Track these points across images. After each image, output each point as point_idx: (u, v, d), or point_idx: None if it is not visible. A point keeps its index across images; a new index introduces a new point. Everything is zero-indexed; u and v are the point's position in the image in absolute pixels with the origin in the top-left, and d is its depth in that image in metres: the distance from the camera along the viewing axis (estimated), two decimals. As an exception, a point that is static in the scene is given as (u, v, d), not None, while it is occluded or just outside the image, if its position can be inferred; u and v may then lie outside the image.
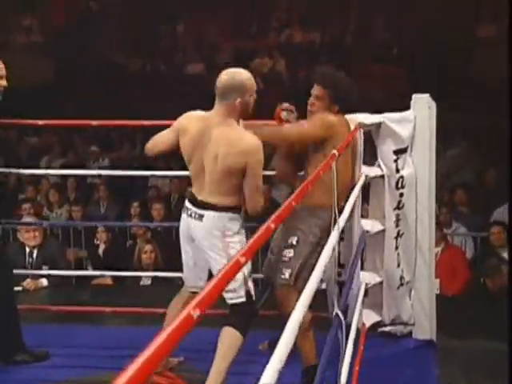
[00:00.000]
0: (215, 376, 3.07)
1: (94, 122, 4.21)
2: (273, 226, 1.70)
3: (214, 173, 3.17)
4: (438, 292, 5.79)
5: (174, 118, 3.96)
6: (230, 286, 3.09)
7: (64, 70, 12.83)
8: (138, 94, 12.00)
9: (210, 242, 3.19)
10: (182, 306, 3.40)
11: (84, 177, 9.09)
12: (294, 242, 3.46)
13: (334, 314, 2.66)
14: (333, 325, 2.64)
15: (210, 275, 3.31)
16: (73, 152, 10.42)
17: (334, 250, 2.58)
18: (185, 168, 3.48)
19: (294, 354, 3.56)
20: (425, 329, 4.18)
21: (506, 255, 5.95)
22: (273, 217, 1.74)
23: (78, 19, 14.25)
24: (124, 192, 8.44)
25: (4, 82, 3.69)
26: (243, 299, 3.18)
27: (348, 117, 3.92)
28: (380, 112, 4.10)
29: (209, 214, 3.18)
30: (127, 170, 9.14)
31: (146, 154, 3.59)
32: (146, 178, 8.30)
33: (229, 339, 3.13)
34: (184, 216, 3.30)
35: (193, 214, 3.23)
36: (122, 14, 13.94)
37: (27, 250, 5.56)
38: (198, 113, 3.33)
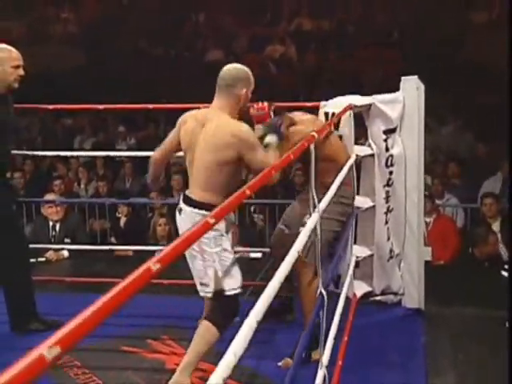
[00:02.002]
0: (186, 366, 2.83)
1: (101, 106, 3.96)
2: (212, 221, 1.28)
3: (203, 165, 2.87)
4: (430, 259, 5.56)
5: (195, 101, 3.72)
6: (205, 280, 2.86)
7: (95, 57, 12.63)
8: (162, 78, 11.76)
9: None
10: None
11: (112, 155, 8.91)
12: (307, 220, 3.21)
13: (318, 292, 2.42)
14: (316, 303, 2.41)
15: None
16: (103, 132, 10.24)
17: (315, 228, 2.34)
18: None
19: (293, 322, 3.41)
20: (413, 298, 3.94)
21: (496, 226, 5.68)
22: (215, 211, 1.36)
23: (108, 11, 14.03)
24: (147, 169, 8.22)
25: (21, 71, 3.47)
26: (210, 294, 2.89)
27: (339, 99, 3.68)
28: (379, 93, 3.83)
29: (186, 209, 2.89)
30: (152, 148, 9.02)
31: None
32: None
33: (204, 334, 2.85)
34: (177, 213, 3.02)
35: (180, 210, 2.95)
36: (148, 5, 13.70)
37: (50, 223, 5.39)
38: (198, 110, 3.09)
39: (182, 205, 2.92)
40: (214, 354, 3.31)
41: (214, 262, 2.83)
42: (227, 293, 2.87)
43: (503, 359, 3.30)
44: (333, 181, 2.82)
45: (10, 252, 3.58)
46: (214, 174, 2.85)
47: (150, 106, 4.19)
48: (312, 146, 2.30)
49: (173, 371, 3.14)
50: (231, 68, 3.00)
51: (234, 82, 2.94)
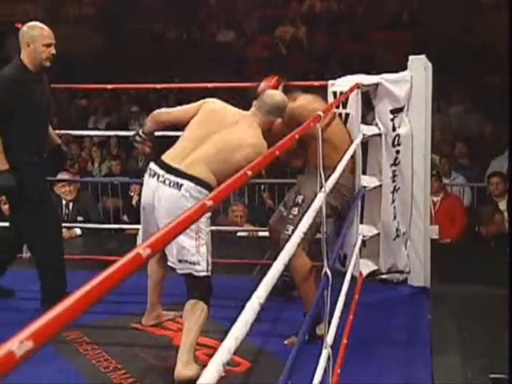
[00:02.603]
0: (187, 348, 2.77)
1: (109, 86, 3.90)
2: (209, 203, 1.20)
3: (222, 146, 2.83)
4: (438, 237, 5.48)
5: (207, 80, 3.64)
6: (194, 258, 2.77)
7: (110, 39, 12.54)
8: (175, 59, 11.66)
9: (180, 211, 2.75)
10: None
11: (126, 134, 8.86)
12: (300, 201, 3.14)
13: (324, 272, 2.35)
14: (321, 281, 2.33)
15: None
16: (116, 112, 10.16)
17: (320, 208, 2.26)
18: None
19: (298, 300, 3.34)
20: (419, 276, 3.86)
21: (503, 205, 5.58)
22: (213, 193, 1.30)
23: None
24: (159, 148, 8.14)
25: (53, 50, 3.39)
26: (206, 273, 2.81)
27: (347, 78, 3.58)
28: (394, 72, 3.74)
29: (188, 184, 2.72)
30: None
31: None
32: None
33: (195, 312, 2.80)
34: (151, 180, 2.82)
35: (168, 183, 2.75)
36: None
37: (63, 202, 5.34)
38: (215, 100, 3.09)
39: (172, 177, 2.73)
40: (220, 331, 3.30)
41: (207, 241, 2.79)
42: (209, 273, 2.83)
43: (507, 336, 3.24)
44: (333, 164, 2.72)
45: (45, 232, 3.53)
46: (224, 164, 2.80)
47: (158, 85, 4.10)
48: (318, 125, 2.21)
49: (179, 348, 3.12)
50: (276, 97, 3.05)
51: (274, 110, 3.01)
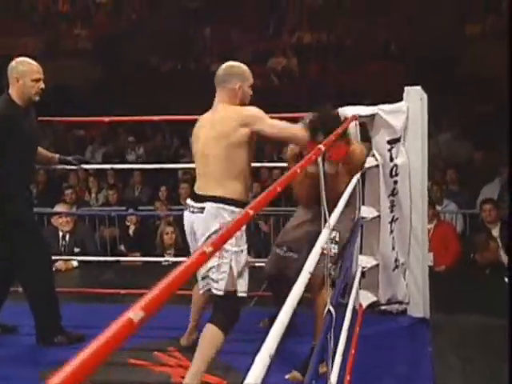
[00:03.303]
0: (194, 373, 2.63)
1: (106, 119, 3.78)
2: (251, 212, 1.27)
3: (217, 154, 2.73)
4: (432, 264, 5.36)
5: (202, 111, 3.54)
6: (214, 276, 2.65)
7: (106, 72, 12.48)
8: (171, 91, 11.60)
9: (207, 231, 2.67)
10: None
11: (122, 163, 8.75)
12: (337, 239, 2.98)
13: (326, 310, 2.20)
14: (325, 322, 2.19)
15: None
16: (113, 142, 10.04)
17: (326, 243, 2.12)
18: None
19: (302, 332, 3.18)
20: (418, 307, 3.72)
21: (496, 232, 5.46)
22: (252, 203, 1.33)
23: (120, 29, 13.88)
24: (155, 177, 8.02)
25: (42, 85, 3.29)
26: (222, 292, 2.68)
27: (344, 109, 3.47)
28: (378, 104, 3.62)
29: (209, 205, 2.68)
30: (159, 157, 8.85)
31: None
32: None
33: (210, 338, 2.65)
34: (186, 213, 2.81)
35: (195, 210, 2.73)
36: (156, 22, 13.54)
37: (60, 234, 5.19)
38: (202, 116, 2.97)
39: (197, 204, 2.72)
40: (221, 367, 3.13)
41: (231, 260, 2.65)
42: (239, 294, 2.71)
43: (508, 368, 3.09)
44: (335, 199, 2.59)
45: (37, 266, 3.38)
46: (229, 162, 2.71)
47: (155, 118, 3.98)
48: (320, 159, 2.09)
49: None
50: (225, 65, 2.91)
51: (226, 77, 2.84)
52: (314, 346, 2.90)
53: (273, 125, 2.75)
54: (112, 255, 5.78)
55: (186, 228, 2.85)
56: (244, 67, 2.92)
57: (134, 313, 0.74)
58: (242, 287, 2.71)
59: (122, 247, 6.11)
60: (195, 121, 2.98)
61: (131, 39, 13.09)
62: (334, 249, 2.94)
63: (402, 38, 11.78)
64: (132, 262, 5.38)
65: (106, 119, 3.83)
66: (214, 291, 2.70)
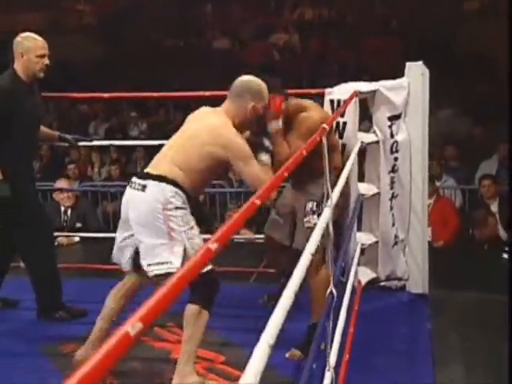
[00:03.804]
0: (186, 359, 2.52)
1: (106, 95, 3.66)
2: (258, 202, 1.19)
3: (188, 146, 2.56)
4: (430, 239, 5.28)
5: (204, 88, 3.42)
6: (166, 258, 2.49)
7: (110, 48, 12.30)
8: (173, 65, 11.43)
9: (150, 213, 2.48)
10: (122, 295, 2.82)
11: (125, 139, 8.64)
12: (314, 208, 2.87)
13: (329, 291, 2.12)
14: (327, 303, 2.11)
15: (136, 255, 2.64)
16: (116, 117, 9.91)
17: (329, 219, 2.03)
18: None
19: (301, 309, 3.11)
20: (417, 283, 3.64)
21: (494, 207, 5.37)
22: (259, 192, 1.29)
23: (123, 5, 13.65)
24: (158, 152, 7.90)
25: (47, 61, 3.18)
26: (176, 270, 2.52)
27: (344, 86, 3.35)
28: (378, 80, 3.50)
29: (152, 184, 2.49)
30: (162, 132, 8.73)
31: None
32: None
33: (194, 318, 2.52)
34: (127, 189, 2.61)
35: (135, 185, 2.54)
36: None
37: (62, 209, 5.10)
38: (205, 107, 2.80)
39: (144, 181, 2.51)
40: (219, 342, 3.07)
41: (183, 240, 2.50)
42: (203, 270, 2.58)
43: (506, 344, 3.03)
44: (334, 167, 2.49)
45: (39, 242, 3.32)
46: (193, 161, 2.54)
47: (155, 94, 3.88)
48: (324, 139, 1.99)
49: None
50: (245, 79, 2.67)
51: (242, 92, 2.62)
52: (311, 325, 2.84)
53: (257, 175, 2.55)
54: (114, 229, 5.71)
55: (122, 204, 2.64)
56: (263, 86, 2.66)
57: (132, 325, 0.67)
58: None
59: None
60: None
61: (134, 15, 12.88)
62: (314, 219, 2.83)
63: (403, 14, 11.56)
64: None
65: (106, 95, 3.71)
66: (171, 271, 2.48)
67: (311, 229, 2.80)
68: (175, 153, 2.56)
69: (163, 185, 2.49)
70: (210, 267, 2.52)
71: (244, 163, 2.55)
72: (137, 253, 2.61)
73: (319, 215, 2.77)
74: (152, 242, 2.49)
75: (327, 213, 1.96)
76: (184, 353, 2.54)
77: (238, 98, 2.62)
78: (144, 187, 2.50)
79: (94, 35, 12.86)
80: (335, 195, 2.13)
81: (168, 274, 2.45)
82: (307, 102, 3.00)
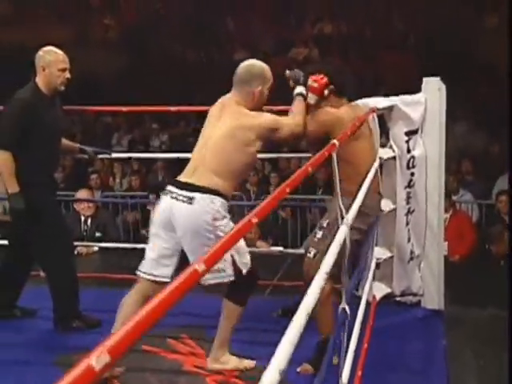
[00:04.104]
0: (219, 343, 2.71)
1: (124, 109, 3.65)
2: (255, 220, 1.13)
3: (221, 149, 2.58)
4: (446, 253, 5.16)
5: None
6: (216, 266, 2.53)
7: (133, 61, 12.36)
8: (194, 79, 11.44)
9: (199, 225, 2.51)
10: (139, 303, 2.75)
11: (147, 150, 8.65)
12: (325, 225, 2.81)
13: (341, 308, 2.04)
14: (338, 320, 2.03)
15: (181, 264, 2.65)
16: (138, 129, 9.92)
17: (344, 240, 1.95)
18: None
19: (313, 323, 3.03)
20: (433, 299, 3.54)
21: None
22: (256, 209, 1.19)
23: (146, 19, 13.73)
24: (178, 163, 7.87)
25: (68, 74, 3.17)
26: (231, 278, 2.61)
27: (361, 101, 3.27)
28: (396, 94, 3.42)
29: (199, 196, 2.50)
30: (182, 144, 8.71)
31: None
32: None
33: (229, 312, 2.69)
34: (166, 198, 2.58)
35: (178, 197, 2.52)
36: (180, 13, 13.37)
37: (82, 218, 5.08)
38: (226, 97, 2.80)
39: (190, 193, 2.50)
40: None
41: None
42: (244, 271, 2.62)
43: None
44: (356, 188, 2.41)
45: (58, 252, 3.28)
46: (229, 159, 2.58)
47: (172, 108, 3.84)
48: (334, 155, 1.92)
49: (190, 373, 2.83)
50: (247, 64, 2.70)
51: (248, 78, 2.64)
52: (321, 340, 2.76)
53: (289, 129, 2.68)
54: (134, 239, 5.70)
55: (161, 213, 2.61)
56: (266, 68, 2.70)
57: (97, 358, 0.60)
58: (245, 265, 2.63)
59: (144, 231, 5.99)
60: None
61: (157, 29, 12.94)
62: (318, 234, 2.81)
63: (420, 28, 11.46)
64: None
65: (124, 109, 3.68)
66: (225, 280, 2.61)
67: (314, 243, 2.77)
68: (209, 161, 2.58)
69: (211, 197, 2.53)
70: (250, 266, 2.63)
71: (278, 128, 2.63)
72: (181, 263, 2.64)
73: (324, 233, 2.73)
74: (203, 252, 2.47)
75: (343, 231, 1.89)
76: (218, 339, 2.72)
77: (243, 85, 2.65)
78: (191, 199, 2.51)
79: (118, 48, 12.94)
80: (351, 216, 2.05)
81: (221, 283, 2.62)
82: (344, 113, 2.92)
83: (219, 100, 2.79)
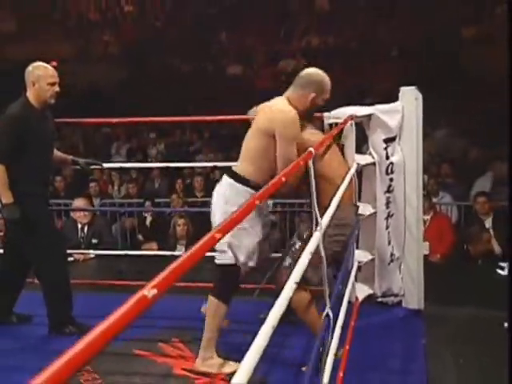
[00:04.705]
0: (205, 343, 2.64)
1: (114, 120, 3.55)
2: (218, 235, 1.06)
3: (247, 136, 2.65)
4: (428, 253, 5.10)
5: (218, 110, 3.34)
6: (220, 247, 2.53)
7: (132, 74, 12.30)
8: (190, 89, 11.38)
9: (215, 204, 2.61)
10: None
11: (144, 159, 8.57)
12: (305, 236, 2.73)
13: (325, 314, 1.97)
14: (323, 325, 1.95)
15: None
16: (136, 138, 9.84)
17: (318, 247, 1.89)
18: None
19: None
20: (413, 299, 3.46)
21: (488, 223, 5.17)
22: (234, 214, 1.17)
23: (144, 34, 13.67)
24: (173, 171, 7.79)
25: (57, 88, 3.10)
26: (229, 261, 2.58)
27: (341, 110, 3.20)
28: (382, 103, 3.36)
29: (224, 181, 2.60)
30: (177, 152, 8.63)
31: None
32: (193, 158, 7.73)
33: (213, 309, 2.63)
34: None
35: (227, 181, 2.64)
36: (176, 28, 13.32)
37: (79, 226, 4.99)
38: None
39: (231, 180, 2.58)
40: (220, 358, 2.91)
41: (233, 236, 2.49)
42: (240, 263, 2.60)
43: (502, 361, 2.84)
44: (329, 202, 2.33)
45: (51, 261, 3.20)
46: (256, 157, 2.58)
47: (166, 118, 3.73)
48: (310, 163, 1.84)
49: (179, 376, 2.75)
50: (309, 70, 2.68)
51: (305, 83, 2.61)
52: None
53: (283, 155, 2.52)
54: (131, 243, 5.62)
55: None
56: (326, 79, 2.67)
57: (149, 290, 0.74)
58: (241, 258, 2.58)
59: (140, 236, 5.91)
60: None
61: (154, 44, 12.88)
62: (296, 244, 2.74)
63: (403, 41, 11.42)
64: (148, 247, 5.19)
65: (114, 120, 3.60)
66: (216, 261, 2.63)
67: (291, 253, 2.69)
68: (244, 149, 2.63)
69: (231, 182, 2.56)
70: (251, 264, 2.61)
71: (286, 143, 2.52)
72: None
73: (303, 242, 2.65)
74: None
75: (316, 238, 1.82)
76: (204, 340, 2.65)
77: (300, 88, 2.62)
78: (220, 184, 2.63)
79: (118, 62, 12.87)
80: (324, 224, 1.98)
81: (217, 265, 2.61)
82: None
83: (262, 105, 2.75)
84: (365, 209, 3.26)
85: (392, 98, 3.46)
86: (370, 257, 3.36)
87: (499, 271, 4.24)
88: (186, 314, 3.45)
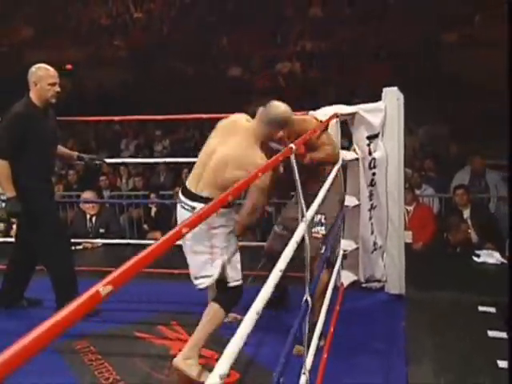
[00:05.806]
0: (192, 346, 2.38)
1: (116, 118, 3.48)
2: (185, 230, 0.96)
3: (221, 168, 2.32)
4: (411, 241, 5.05)
5: (219, 109, 3.25)
6: (209, 272, 2.35)
7: (140, 76, 12.20)
8: (192, 91, 11.29)
9: (197, 232, 2.28)
10: None
11: (151, 154, 8.52)
12: (323, 220, 2.66)
13: (304, 299, 1.91)
14: (301, 310, 1.90)
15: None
16: (143, 135, 9.77)
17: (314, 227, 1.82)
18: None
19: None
20: (395, 284, 3.41)
21: (466, 213, 5.11)
22: (189, 219, 1.01)
23: (151, 40, 13.56)
24: (178, 164, 7.71)
25: (58, 88, 3.04)
26: (239, 282, 2.40)
27: (325, 109, 3.13)
28: (372, 102, 3.29)
29: (199, 206, 2.29)
30: (182, 148, 8.56)
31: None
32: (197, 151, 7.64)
33: (212, 313, 2.39)
34: (178, 207, 2.44)
35: (185, 206, 2.37)
36: (181, 34, 13.20)
37: (88, 216, 4.93)
38: (239, 115, 2.52)
39: (192, 203, 2.32)
40: (215, 341, 2.87)
41: (222, 255, 2.33)
42: (231, 284, 2.40)
43: (478, 343, 2.80)
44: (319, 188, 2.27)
45: (56, 251, 3.16)
46: (224, 178, 2.31)
47: (159, 117, 3.66)
48: (292, 157, 1.78)
49: (176, 357, 2.69)
50: (277, 109, 2.39)
51: (274, 121, 2.36)
52: (313, 323, 2.62)
53: (253, 198, 2.35)
54: (138, 232, 5.58)
55: (178, 222, 2.44)
56: (292, 116, 2.42)
57: (104, 286, 0.69)
58: (233, 278, 2.40)
59: (146, 226, 5.86)
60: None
61: (160, 48, 12.78)
62: (322, 230, 2.64)
63: (391, 44, 11.31)
64: (154, 237, 5.14)
65: (116, 118, 3.53)
66: (206, 285, 2.39)
67: (318, 240, 2.61)
68: (209, 175, 2.35)
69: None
70: (239, 283, 2.41)
71: (256, 190, 2.32)
72: None
73: (327, 227, 2.59)
74: (196, 258, 2.35)
75: (301, 228, 1.76)
76: (193, 339, 2.40)
77: (268, 125, 2.37)
78: (193, 209, 2.33)
79: (126, 65, 12.77)
80: (311, 212, 1.92)
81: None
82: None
83: (232, 116, 2.52)
84: (350, 200, 3.21)
85: (380, 97, 3.39)
86: (355, 246, 3.31)
87: (475, 258, 4.19)
88: (186, 298, 3.40)
